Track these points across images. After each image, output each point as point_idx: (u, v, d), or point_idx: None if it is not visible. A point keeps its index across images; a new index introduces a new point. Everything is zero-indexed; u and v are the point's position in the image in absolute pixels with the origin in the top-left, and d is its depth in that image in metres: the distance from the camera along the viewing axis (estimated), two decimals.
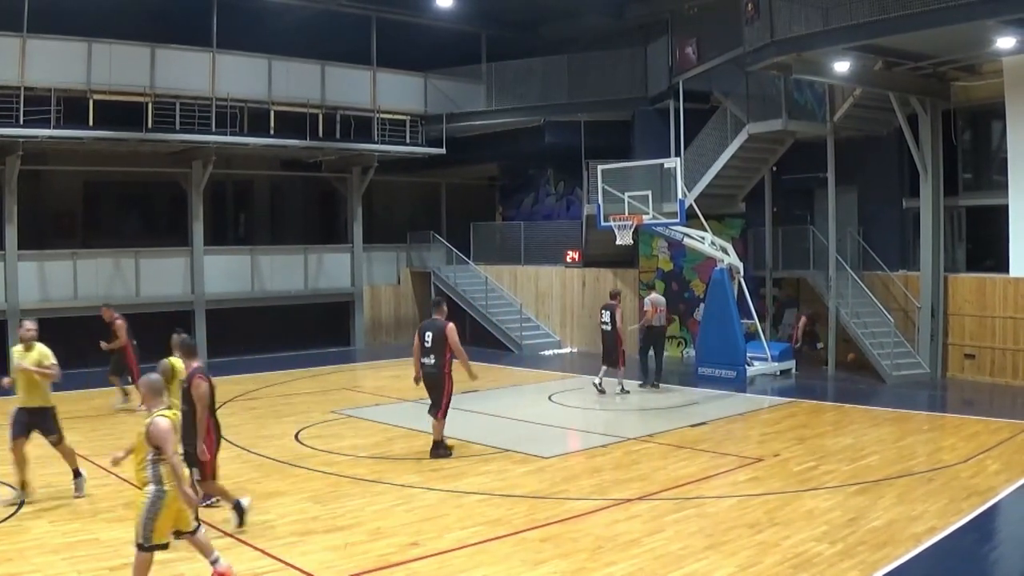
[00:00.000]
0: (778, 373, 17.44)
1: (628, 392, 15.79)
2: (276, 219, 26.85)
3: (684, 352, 20.43)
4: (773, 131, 18.04)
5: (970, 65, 16.24)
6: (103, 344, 14.45)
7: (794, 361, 17.94)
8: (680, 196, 17.02)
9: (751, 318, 17.84)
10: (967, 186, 17.57)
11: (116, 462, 7.04)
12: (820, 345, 18.33)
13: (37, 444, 11.61)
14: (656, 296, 16.82)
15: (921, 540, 7.60)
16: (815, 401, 14.88)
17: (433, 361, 10.88)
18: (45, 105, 17.56)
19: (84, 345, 20.43)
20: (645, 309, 16.42)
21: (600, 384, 15.76)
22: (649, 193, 17.16)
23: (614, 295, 16.48)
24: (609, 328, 15.63)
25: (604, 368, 15.84)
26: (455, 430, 12.50)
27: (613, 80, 22.08)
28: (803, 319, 18.58)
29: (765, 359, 17.44)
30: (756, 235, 20.23)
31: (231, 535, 7.82)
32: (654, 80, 21.36)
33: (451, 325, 10.99)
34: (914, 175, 17.25)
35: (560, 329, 22.80)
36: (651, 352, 16.41)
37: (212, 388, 8.17)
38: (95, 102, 18.18)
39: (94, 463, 10.53)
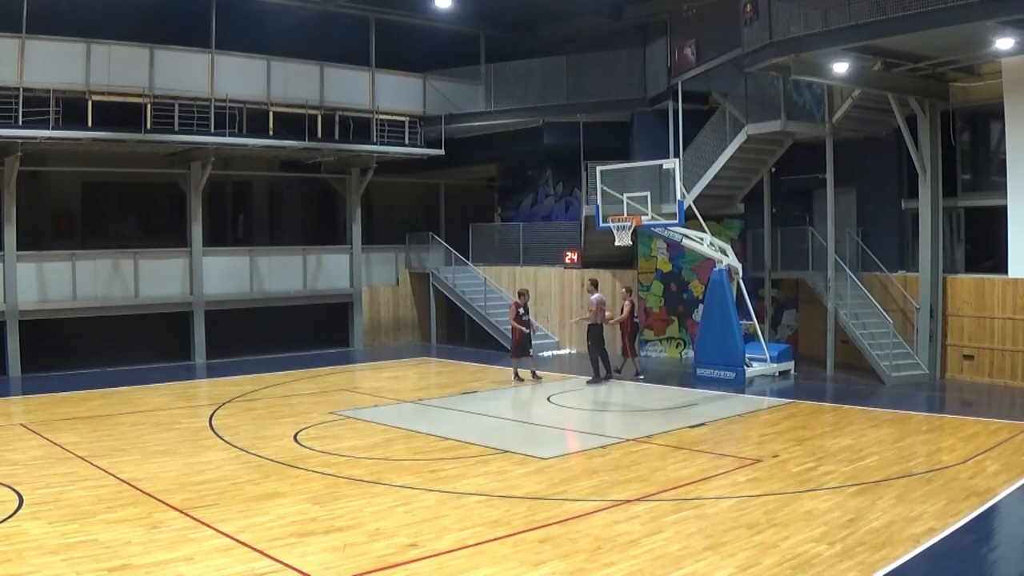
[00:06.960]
0: (777, 374, 17.45)
1: (522, 380, 17.32)
2: (275, 220, 26.82)
3: (683, 353, 20.44)
4: (772, 132, 18.04)
5: (969, 66, 16.24)
6: None
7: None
8: (679, 197, 17.02)
9: (750, 319, 17.88)
10: (966, 187, 17.55)
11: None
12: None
13: (35, 444, 11.67)
14: (599, 296, 17.58)
15: (920, 541, 7.60)
16: (814, 402, 14.87)
17: None
18: (44, 106, 17.55)
19: (82, 346, 20.66)
20: (590, 308, 17.34)
21: (518, 374, 17.44)
22: (648, 194, 17.17)
23: (520, 294, 18.20)
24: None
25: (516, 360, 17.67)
26: (454, 431, 12.55)
27: (612, 81, 22.08)
28: (628, 302, 18.02)
29: (764, 360, 17.45)
30: (755, 236, 20.22)
31: (228, 535, 7.82)
32: (653, 81, 21.36)
33: None
34: (913, 176, 17.24)
35: (559, 330, 22.79)
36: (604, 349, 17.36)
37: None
38: (94, 103, 18.16)
39: (94, 464, 10.54)
